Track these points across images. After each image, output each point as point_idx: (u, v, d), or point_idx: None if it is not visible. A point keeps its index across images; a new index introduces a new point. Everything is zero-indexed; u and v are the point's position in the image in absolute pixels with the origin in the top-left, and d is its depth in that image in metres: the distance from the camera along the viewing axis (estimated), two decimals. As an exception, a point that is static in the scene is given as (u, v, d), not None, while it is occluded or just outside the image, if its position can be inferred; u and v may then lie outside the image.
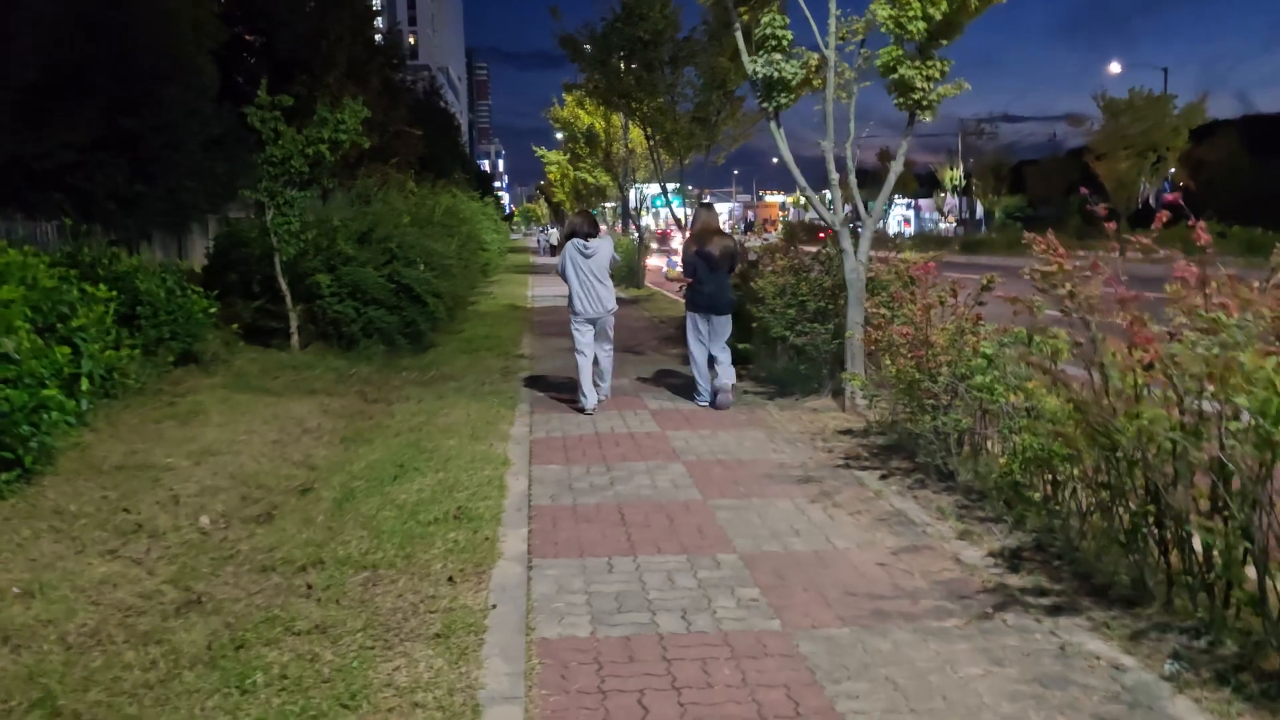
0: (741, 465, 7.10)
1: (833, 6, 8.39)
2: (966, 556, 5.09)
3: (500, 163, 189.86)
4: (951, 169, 68.65)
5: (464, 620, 4.25)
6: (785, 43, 8.54)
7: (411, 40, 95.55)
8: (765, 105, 8.90)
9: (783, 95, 8.71)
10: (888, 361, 7.00)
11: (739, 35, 9.05)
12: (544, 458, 7.37)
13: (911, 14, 7.62)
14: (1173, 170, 43.44)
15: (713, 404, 9.25)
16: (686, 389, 9.80)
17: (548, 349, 13.44)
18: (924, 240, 51.08)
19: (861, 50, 8.52)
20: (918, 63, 7.92)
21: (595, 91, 20.19)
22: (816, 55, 8.57)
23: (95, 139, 15.44)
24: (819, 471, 6.86)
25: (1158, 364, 3.94)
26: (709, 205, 10.41)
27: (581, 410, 9.01)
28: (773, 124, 9.05)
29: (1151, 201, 43.58)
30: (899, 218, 73.01)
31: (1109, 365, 4.20)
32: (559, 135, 30.92)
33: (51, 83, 14.84)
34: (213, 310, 10.22)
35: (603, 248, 9.10)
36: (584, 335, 9.07)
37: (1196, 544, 4.04)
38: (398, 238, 13.35)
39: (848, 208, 8.75)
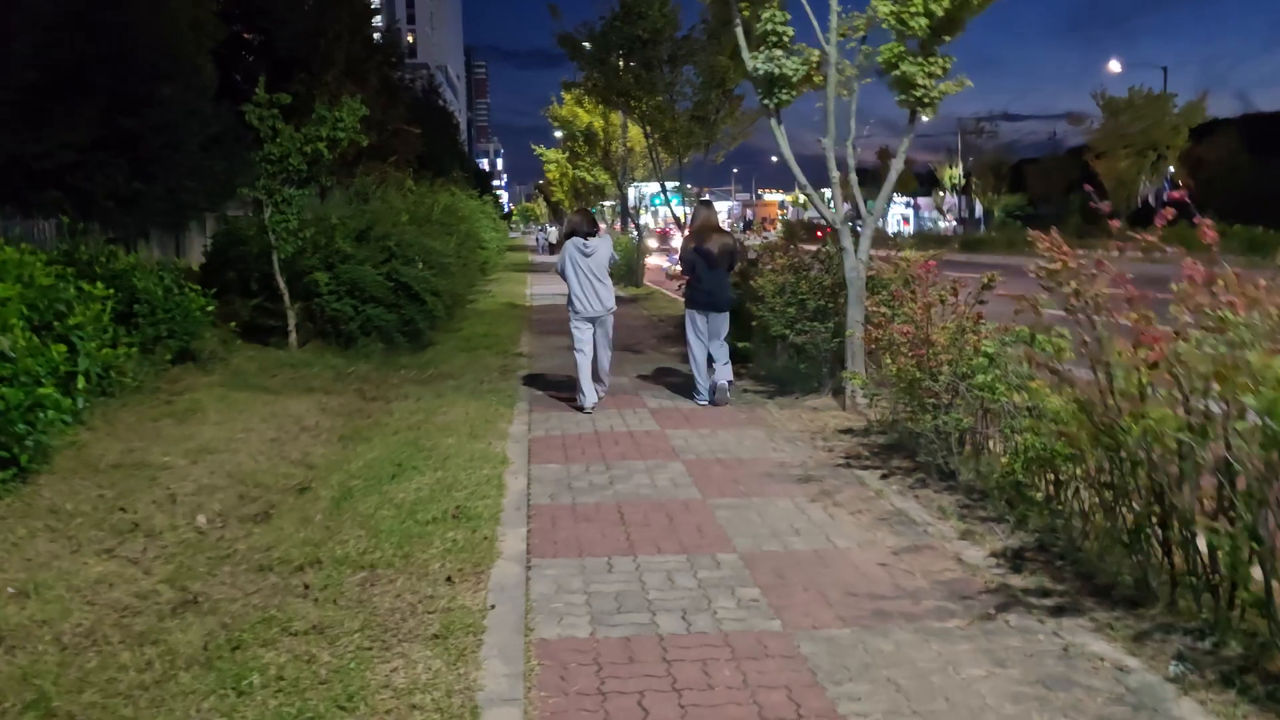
0: (741, 464, 7.06)
1: (834, 3, 8.36)
2: (968, 556, 5.06)
3: (499, 161, 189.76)
4: (951, 167, 68.58)
5: (462, 621, 4.22)
6: (786, 39, 8.51)
7: (410, 38, 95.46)
8: (766, 102, 8.86)
9: (784, 92, 8.67)
10: (888, 360, 6.96)
11: (740, 32, 9.01)
12: (543, 456, 7.33)
13: (914, 10, 7.59)
14: (1171, 169, 43.42)
15: (712, 401, 9.22)
16: (686, 388, 9.77)
17: (547, 347, 13.41)
18: (923, 239, 51.06)
19: (863, 47, 8.49)
20: (919, 59, 7.89)
21: (594, 90, 20.16)
22: (817, 52, 8.54)
23: (94, 138, 15.38)
24: (819, 470, 6.83)
25: (1163, 363, 3.90)
26: (708, 202, 10.38)
27: (581, 409, 8.98)
28: (773, 121, 9.01)
29: (1151, 200, 43.56)
30: (898, 216, 72.95)
31: (1114, 364, 4.16)
32: (558, 134, 30.88)
33: (50, 82, 14.77)
34: (210, 308, 10.18)
35: (602, 247, 9.08)
36: (583, 334, 9.05)
37: (1201, 544, 4.00)
38: (396, 236, 13.31)
39: (847, 206, 8.72)
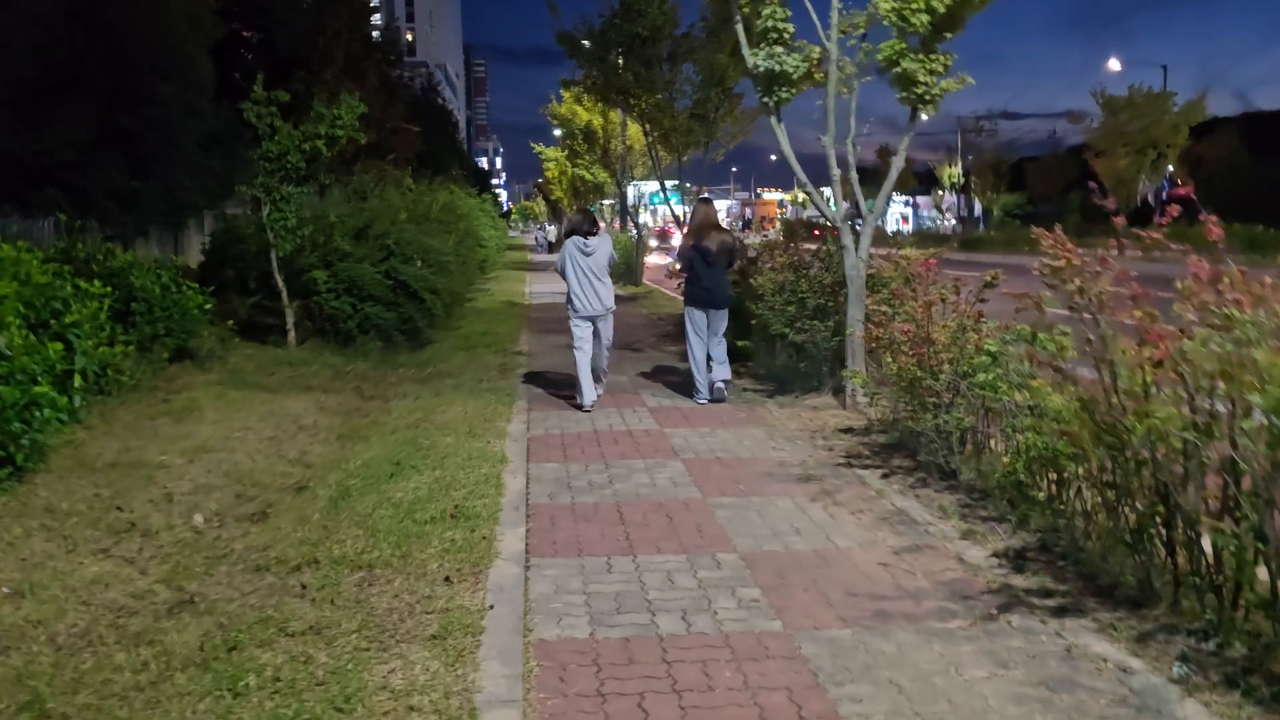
0: (741, 463, 7.03)
1: (834, -1, 8.33)
2: (970, 556, 5.02)
3: (498, 160, 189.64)
4: (950, 166, 68.55)
5: (461, 621, 4.18)
6: (786, 36, 8.48)
7: (409, 37, 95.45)
8: (766, 100, 8.83)
9: (784, 89, 8.64)
10: (889, 359, 6.94)
11: (740, 29, 8.98)
12: (542, 455, 7.30)
13: (915, 6, 7.55)
14: (1171, 168, 43.40)
15: (711, 400, 9.20)
16: (685, 386, 9.74)
17: (546, 346, 13.37)
18: (922, 237, 51.05)
19: (863, 44, 8.45)
20: (921, 56, 7.85)
21: (593, 88, 20.11)
22: (818, 49, 8.50)
23: (92, 136, 15.36)
24: (819, 470, 6.80)
25: (1167, 361, 3.87)
26: (708, 200, 10.36)
27: (580, 407, 8.96)
28: (773, 119, 8.98)
29: (1150, 199, 43.54)
30: (897, 215, 72.92)
31: (1118, 362, 4.13)
32: (557, 132, 30.85)
33: (48, 80, 14.75)
34: (208, 306, 10.16)
35: (602, 246, 9.06)
36: (582, 332, 9.02)
37: (1206, 544, 3.97)
38: (395, 234, 13.28)
39: (847, 204, 8.69)
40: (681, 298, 10.09)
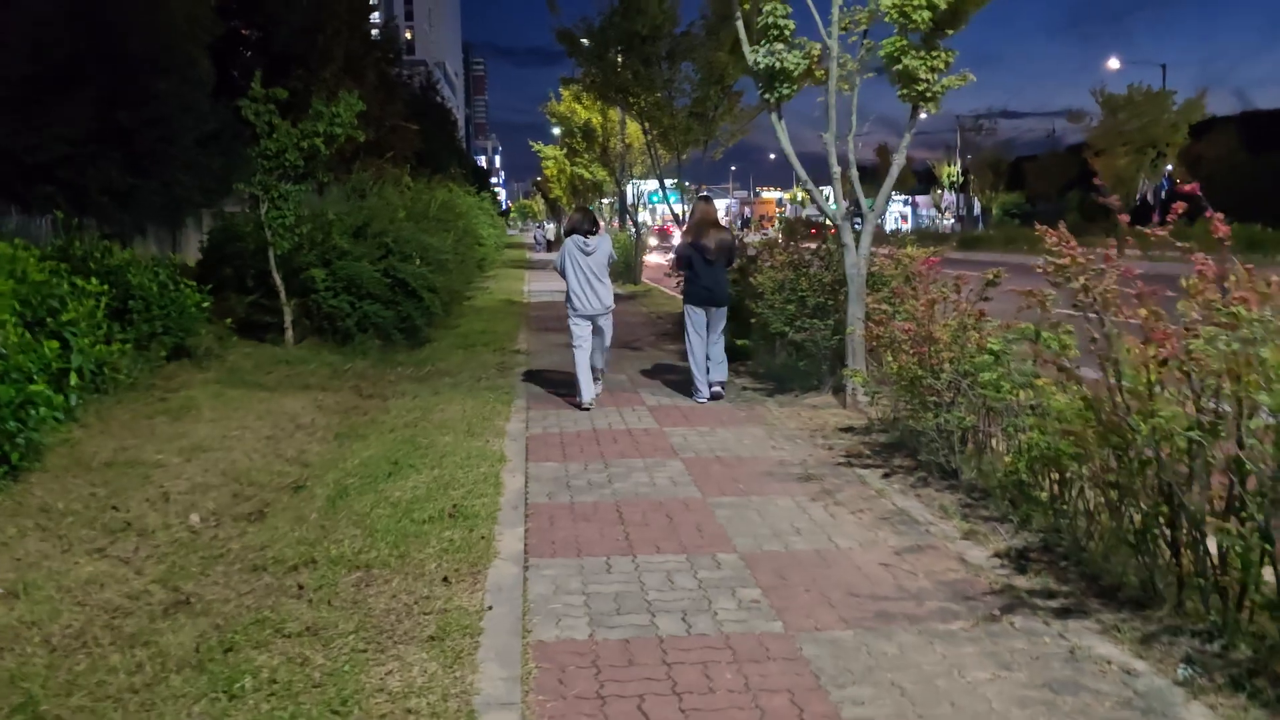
0: (741, 462, 7.00)
1: (835, -4, 8.29)
2: (971, 557, 4.99)
3: (497, 159, 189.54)
4: (949, 165, 68.53)
5: (459, 622, 4.15)
6: (787, 32, 8.43)
7: (408, 35, 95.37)
8: (767, 97, 8.79)
9: (784, 86, 8.60)
10: (889, 358, 6.90)
11: (740, 25, 8.95)
12: (541, 454, 7.26)
13: (917, 3, 7.51)
14: (1170, 167, 43.38)
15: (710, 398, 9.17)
16: (684, 385, 9.71)
17: (544, 344, 13.34)
18: (922, 236, 50.94)
19: (864, 41, 8.42)
20: (922, 53, 7.81)
21: (592, 86, 20.08)
22: (819, 45, 8.46)
23: (89, 132, 15.31)
24: (820, 469, 6.76)
25: (1173, 360, 3.84)
26: (707, 198, 10.32)
27: (579, 406, 8.92)
28: (774, 116, 8.94)
29: (1149, 198, 43.52)
30: (896, 214, 72.89)
31: (1123, 361, 4.10)
32: (556, 131, 30.79)
33: (44, 76, 14.70)
34: (206, 304, 10.10)
35: (602, 245, 9.03)
36: (582, 331, 8.99)
37: (1211, 545, 3.94)
38: (393, 232, 13.23)
39: (847, 203, 8.65)
40: (680, 296, 10.05)
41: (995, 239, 47.65)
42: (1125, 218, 4.20)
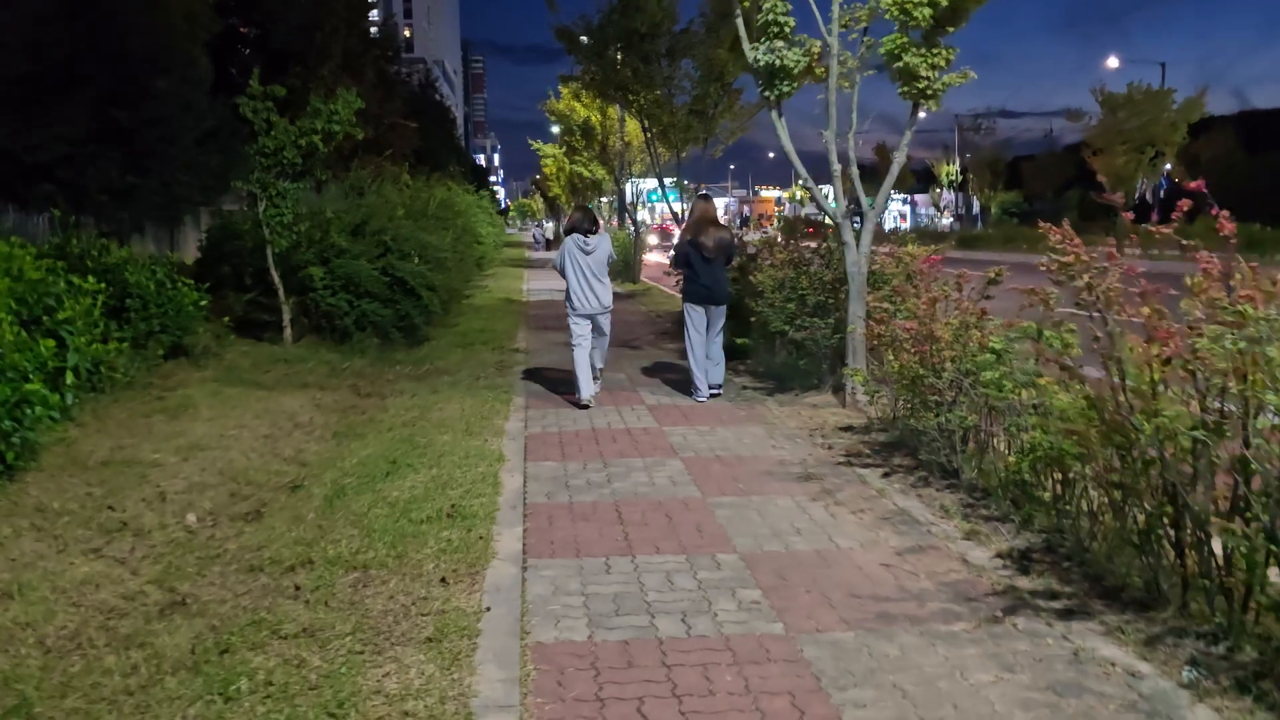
0: (741, 462, 6.96)
1: (835, -9, 8.25)
2: (973, 557, 4.95)
3: (496, 157, 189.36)
4: (948, 164, 68.51)
5: (457, 623, 4.11)
6: (787, 29, 8.39)
7: (407, 33, 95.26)
8: (767, 94, 8.75)
9: (784, 84, 8.56)
10: (890, 356, 6.86)
11: (740, 23, 8.91)
12: (539, 454, 7.23)
13: (917, 0, 7.47)
14: (1168, 166, 43.36)
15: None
16: (683, 384, 9.67)
17: (543, 343, 13.30)
18: (921, 235, 50.93)
19: (864, 38, 8.38)
20: (923, 50, 7.77)
21: (591, 84, 20.04)
22: (819, 43, 8.43)
23: (88, 132, 15.26)
24: (820, 469, 6.73)
25: (1176, 359, 3.80)
26: (707, 197, 10.27)
27: (578, 404, 8.90)
28: (774, 113, 8.90)
29: (1148, 197, 43.50)
30: (895, 213, 72.86)
31: (1127, 360, 4.06)
32: (555, 128, 30.75)
33: (43, 74, 14.63)
34: (203, 303, 10.06)
35: (602, 244, 9.01)
36: (581, 330, 8.97)
37: (1215, 546, 3.90)
38: (392, 230, 13.19)
39: (847, 201, 8.61)
40: (680, 295, 10.02)
41: (994, 238, 47.63)
42: (1130, 215, 4.17)
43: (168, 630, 4.08)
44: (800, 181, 9.12)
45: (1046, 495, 5.20)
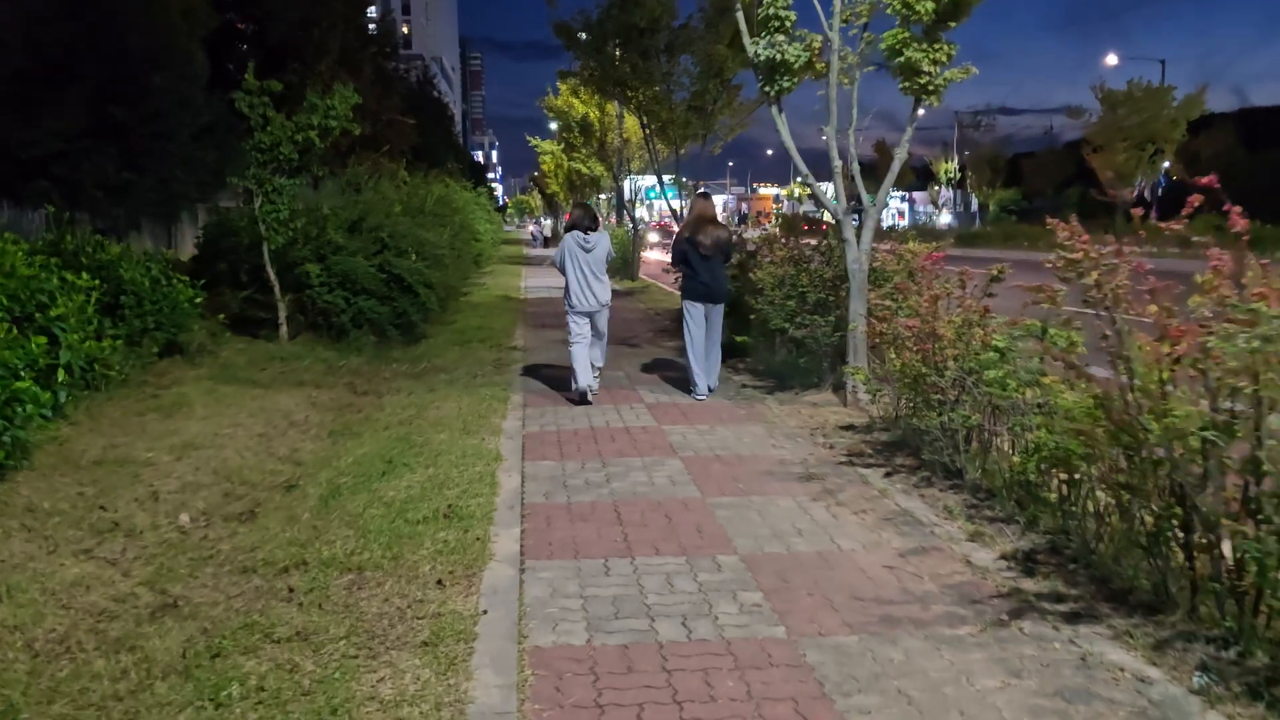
0: (741, 461, 6.89)
1: (837, -13, 8.18)
2: (978, 559, 4.88)
3: (494, 154, 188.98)
4: (946, 161, 68.40)
5: (453, 627, 4.04)
6: (788, 24, 8.32)
7: (405, 29, 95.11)
8: (767, 90, 8.67)
9: (785, 79, 8.48)
10: (892, 355, 6.79)
11: (740, 17, 8.84)
12: (537, 453, 7.15)
13: (919, -6, 7.40)
14: (1168, 164, 43.31)
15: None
16: (682, 382, 9.60)
17: (541, 341, 13.22)
18: (920, 233, 50.89)
19: (865, 34, 8.30)
20: (925, 45, 7.70)
21: (590, 80, 19.97)
22: (819, 37, 8.35)
23: (84, 128, 15.17)
24: (821, 468, 6.66)
25: (1185, 359, 3.73)
26: (706, 194, 10.20)
27: (576, 402, 8.83)
28: (774, 109, 8.82)
29: (1147, 194, 43.44)
30: (893, 211, 72.76)
31: (1135, 359, 3.99)
32: (553, 125, 30.67)
33: (39, 70, 14.55)
34: (199, 300, 9.98)
35: (601, 242, 8.95)
36: (580, 328, 8.91)
37: (1226, 548, 3.83)
38: (389, 227, 13.11)
39: (849, 197, 8.54)
40: (679, 292, 9.95)
41: (993, 235, 47.56)
42: (1138, 211, 4.09)
43: (158, 633, 4.01)
44: (800, 178, 9.03)
45: (1052, 496, 5.13)
